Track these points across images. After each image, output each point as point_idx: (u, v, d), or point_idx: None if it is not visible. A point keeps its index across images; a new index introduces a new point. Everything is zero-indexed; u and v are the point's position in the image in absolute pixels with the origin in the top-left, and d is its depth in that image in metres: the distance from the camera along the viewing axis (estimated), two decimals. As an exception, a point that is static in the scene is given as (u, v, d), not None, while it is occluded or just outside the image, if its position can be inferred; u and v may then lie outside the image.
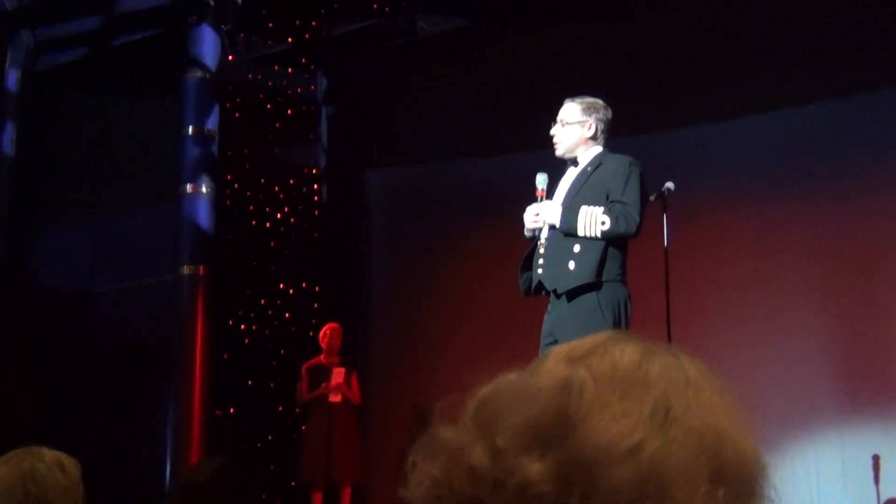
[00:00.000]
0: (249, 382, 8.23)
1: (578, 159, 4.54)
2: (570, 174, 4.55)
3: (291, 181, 8.74)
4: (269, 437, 8.20)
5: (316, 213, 8.85)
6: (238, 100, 8.54)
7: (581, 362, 0.79)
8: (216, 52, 8.30)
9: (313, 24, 8.47)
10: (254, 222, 8.50)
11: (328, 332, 7.69)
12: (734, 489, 0.76)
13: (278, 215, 8.63)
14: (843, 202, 7.32)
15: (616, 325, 4.23)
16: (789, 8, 7.18)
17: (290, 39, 8.60)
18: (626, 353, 0.80)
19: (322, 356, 7.63)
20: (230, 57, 8.44)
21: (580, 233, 4.31)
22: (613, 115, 4.58)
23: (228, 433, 7.94)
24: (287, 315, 8.47)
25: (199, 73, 8.19)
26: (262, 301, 8.42)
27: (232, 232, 8.37)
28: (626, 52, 7.75)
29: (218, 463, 4.72)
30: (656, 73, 7.77)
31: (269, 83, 8.73)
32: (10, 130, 8.81)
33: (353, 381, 7.60)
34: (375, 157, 9.38)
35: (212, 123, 8.20)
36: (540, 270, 4.44)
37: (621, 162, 4.44)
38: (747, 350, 7.19)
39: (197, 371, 7.79)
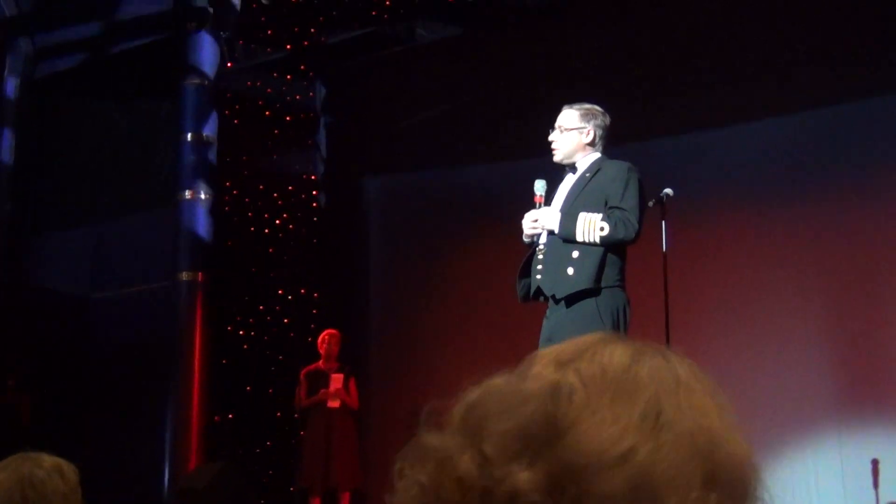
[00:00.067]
0: (248, 388, 8.23)
1: (577, 165, 4.54)
2: (569, 180, 4.55)
3: (290, 187, 8.74)
4: (268, 443, 8.20)
5: (314, 219, 8.85)
6: (237, 106, 8.55)
7: (570, 366, 0.77)
8: (215, 59, 8.32)
9: (312, 31, 8.50)
10: (252, 228, 8.50)
11: (327, 337, 7.69)
12: (727, 492, 0.74)
13: (277, 221, 8.63)
14: (842, 207, 7.32)
15: (615, 330, 4.22)
16: (789, 13, 7.19)
17: (288, 46, 8.61)
18: (616, 355, 0.78)
19: (321, 362, 7.63)
20: (229, 64, 8.46)
21: (579, 239, 4.30)
22: (611, 121, 4.59)
23: (227, 438, 7.94)
24: (286, 321, 8.47)
25: (197, 80, 8.20)
26: (261, 307, 8.42)
27: (230, 238, 8.38)
28: (623, 61, 7.76)
29: (217, 468, 4.73)
30: (654, 81, 7.78)
31: (268, 90, 8.73)
32: (9, 137, 8.84)
33: (352, 386, 7.60)
34: (374, 164, 9.38)
35: (210, 130, 8.22)
36: (539, 276, 4.43)
37: (620, 168, 4.44)
38: (747, 355, 7.18)
39: (196, 376, 7.80)
